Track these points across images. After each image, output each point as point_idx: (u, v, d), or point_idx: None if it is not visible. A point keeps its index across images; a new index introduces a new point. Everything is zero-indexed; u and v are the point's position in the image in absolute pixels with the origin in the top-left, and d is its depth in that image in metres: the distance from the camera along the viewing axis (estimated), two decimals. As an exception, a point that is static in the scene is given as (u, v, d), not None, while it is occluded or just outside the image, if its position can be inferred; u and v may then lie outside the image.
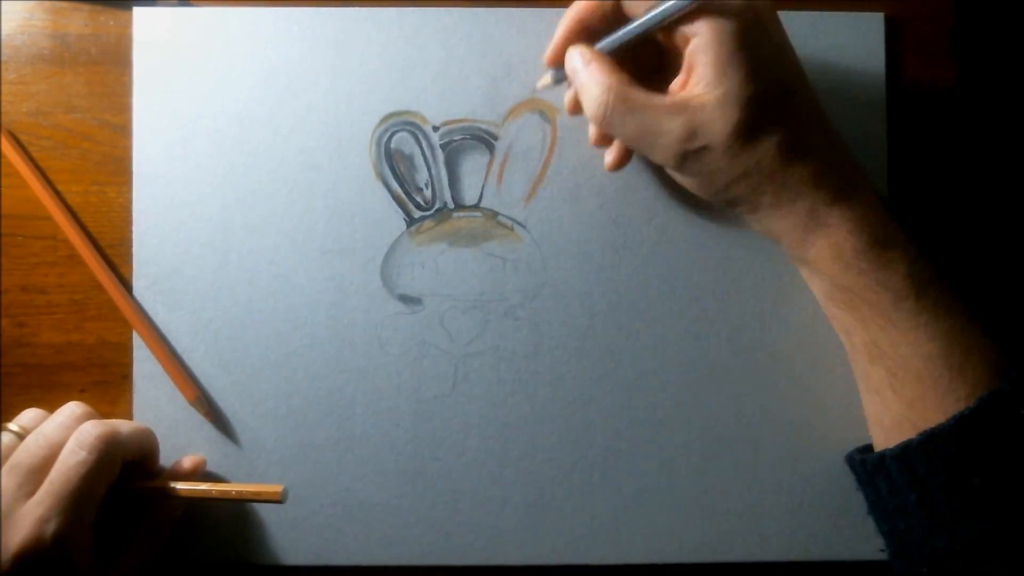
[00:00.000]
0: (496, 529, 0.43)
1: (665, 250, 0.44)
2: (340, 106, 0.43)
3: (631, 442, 0.43)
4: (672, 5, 0.35)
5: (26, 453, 0.38)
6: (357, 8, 0.44)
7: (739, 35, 0.34)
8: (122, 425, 0.40)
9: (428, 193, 0.44)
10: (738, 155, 0.35)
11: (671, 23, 0.35)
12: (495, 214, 0.44)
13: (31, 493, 0.37)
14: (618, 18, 0.37)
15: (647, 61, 0.39)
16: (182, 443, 0.43)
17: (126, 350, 0.43)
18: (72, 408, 0.41)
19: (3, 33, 0.44)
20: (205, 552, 0.43)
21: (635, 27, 0.37)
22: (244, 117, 0.43)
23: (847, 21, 0.44)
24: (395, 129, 0.44)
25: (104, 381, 0.44)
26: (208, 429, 0.43)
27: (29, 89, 0.44)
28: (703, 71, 0.34)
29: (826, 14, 0.44)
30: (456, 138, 0.44)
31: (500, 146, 0.44)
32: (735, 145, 0.35)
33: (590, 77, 0.37)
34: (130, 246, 0.43)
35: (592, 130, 0.41)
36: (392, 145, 0.44)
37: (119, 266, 0.44)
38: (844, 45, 0.44)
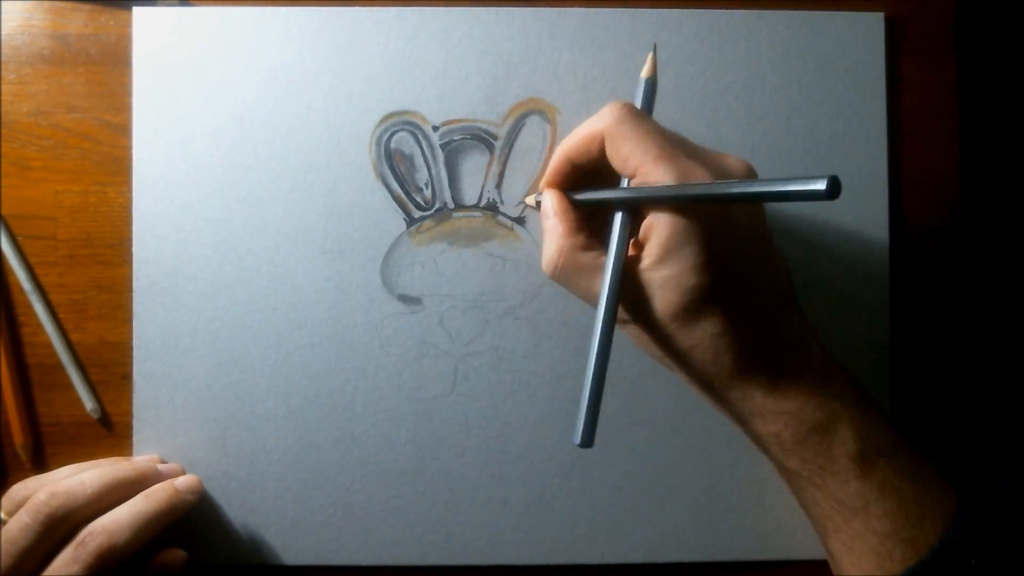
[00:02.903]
0: (496, 529, 0.43)
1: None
2: (340, 106, 0.43)
3: (631, 442, 0.43)
4: (637, 193, 0.34)
5: None
6: (357, 8, 0.44)
7: (694, 227, 0.32)
8: (124, 527, 0.38)
9: (428, 193, 0.44)
10: (671, 336, 0.34)
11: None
12: (495, 214, 0.44)
13: None
14: (606, 163, 0.36)
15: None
16: (182, 442, 0.43)
17: (126, 350, 0.43)
18: (36, 504, 0.37)
19: (3, 33, 0.44)
20: (205, 552, 0.43)
21: (603, 197, 0.36)
22: (244, 117, 0.43)
23: (847, 21, 0.44)
24: (395, 129, 0.44)
25: (104, 381, 0.44)
26: (208, 429, 0.43)
27: (29, 89, 0.44)
28: (652, 248, 0.33)
29: (826, 14, 0.44)
30: (456, 138, 0.44)
31: (500, 146, 0.44)
32: (669, 325, 0.34)
33: (549, 232, 0.37)
34: (130, 246, 0.43)
35: None
36: (392, 145, 0.44)
37: (119, 266, 0.44)
38: (844, 45, 0.44)
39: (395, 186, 0.44)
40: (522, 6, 0.44)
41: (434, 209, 0.44)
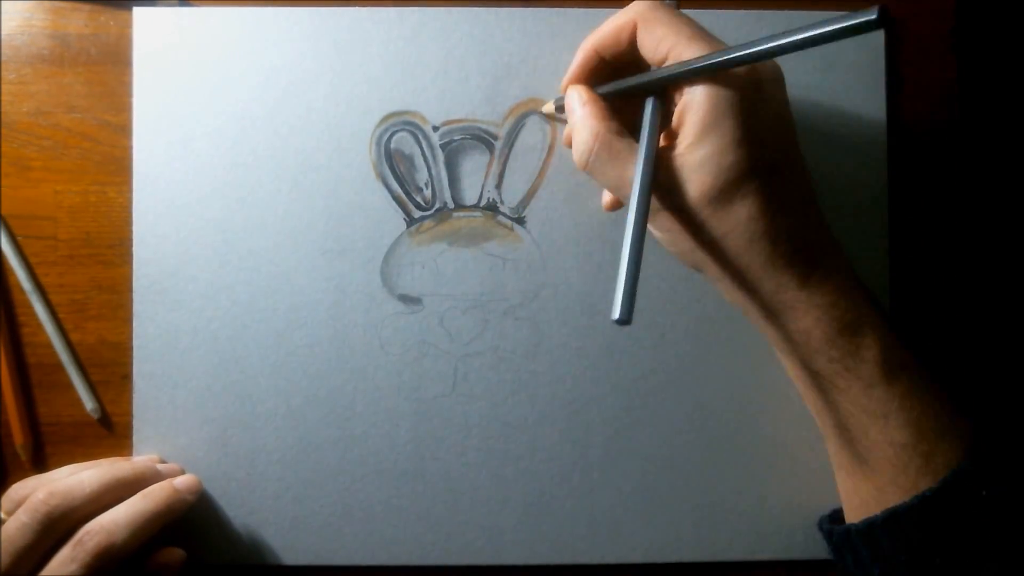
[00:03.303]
0: (496, 529, 0.43)
1: (665, 249, 0.43)
2: (340, 106, 0.43)
3: (631, 442, 0.43)
4: (672, 69, 0.34)
5: None
6: (357, 8, 0.44)
7: (731, 100, 0.33)
8: (122, 526, 0.38)
9: (428, 193, 0.44)
10: (705, 222, 0.34)
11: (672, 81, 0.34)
12: (495, 214, 0.44)
13: None
14: (634, 57, 0.36)
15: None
16: (182, 442, 0.43)
17: (126, 350, 0.43)
18: (35, 503, 0.37)
19: (3, 33, 0.44)
20: (205, 552, 0.43)
21: (635, 82, 0.36)
22: (244, 117, 0.43)
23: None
24: (395, 129, 0.44)
25: (104, 381, 0.44)
26: (208, 429, 0.43)
27: (29, 89, 0.44)
28: (688, 130, 0.33)
29: (826, 14, 0.44)
30: (456, 138, 0.44)
31: (500, 146, 0.44)
32: (704, 211, 0.33)
33: (581, 120, 0.36)
34: (130, 246, 0.43)
35: (605, 196, 0.42)
36: (392, 145, 0.44)
37: (119, 266, 0.44)
38: (844, 45, 0.44)
39: (395, 186, 0.44)
40: (522, 6, 0.44)
41: (434, 209, 0.44)
